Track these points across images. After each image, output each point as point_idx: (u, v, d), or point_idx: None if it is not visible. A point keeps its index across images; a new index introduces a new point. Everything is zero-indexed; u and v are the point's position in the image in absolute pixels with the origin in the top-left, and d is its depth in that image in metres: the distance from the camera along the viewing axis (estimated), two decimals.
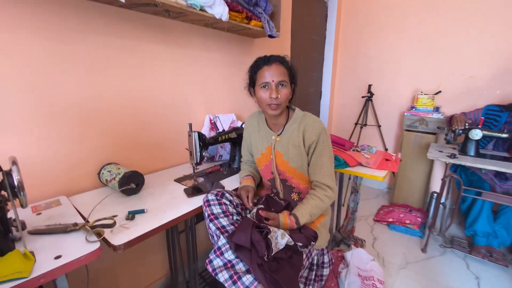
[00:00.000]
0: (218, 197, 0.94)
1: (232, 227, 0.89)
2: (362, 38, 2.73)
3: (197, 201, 1.01)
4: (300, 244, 0.90)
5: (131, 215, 0.87)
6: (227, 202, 0.94)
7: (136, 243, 0.78)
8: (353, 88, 2.84)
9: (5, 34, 0.85)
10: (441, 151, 1.80)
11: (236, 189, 1.15)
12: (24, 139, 0.93)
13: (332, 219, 1.68)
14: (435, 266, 1.71)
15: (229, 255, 0.84)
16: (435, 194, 2.25)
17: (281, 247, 0.86)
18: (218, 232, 0.87)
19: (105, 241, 0.77)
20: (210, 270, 0.84)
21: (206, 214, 0.92)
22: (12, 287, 0.55)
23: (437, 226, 2.03)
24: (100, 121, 1.13)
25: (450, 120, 1.79)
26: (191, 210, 0.95)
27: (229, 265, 0.83)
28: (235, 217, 0.93)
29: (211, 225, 0.89)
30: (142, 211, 0.91)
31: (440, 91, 2.29)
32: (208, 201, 0.93)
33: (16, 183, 0.63)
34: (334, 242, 1.87)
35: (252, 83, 1.05)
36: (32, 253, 0.65)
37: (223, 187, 1.15)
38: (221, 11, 1.21)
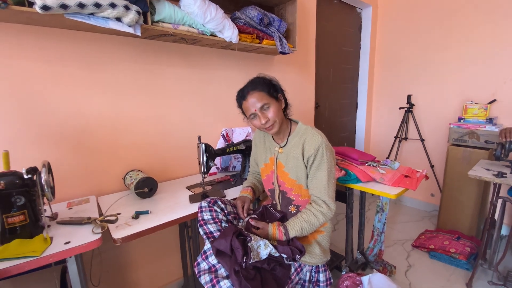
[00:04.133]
0: (210, 204, 1.01)
1: (218, 233, 0.94)
2: (401, 46, 2.55)
3: (197, 206, 1.10)
4: (285, 256, 0.90)
5: (136, 215, 1.01)
6: (218, 210, 1.01)
7: (133, 239, 0.90)
8: (392, 100, 2.64)
9: (56, 67, 1.11)
10: (489, 169, 1.54)
11: (234, 199, 1.21)
12: (64, 149, 1.18)
13: (349, 239, 1.57)
14: None
15: (213, 259, 0.90)
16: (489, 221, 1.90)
17: (264, 257, 0.88)
18: (205, 236, 0.94)
19: (109, 232, 0.91)
20: (196, 272, 0.90)
21: (198, 219, 1.00)
22: (26, 261, 0.71)
23: (489, 258, 1.70)
24: (128, 134, 1.33)
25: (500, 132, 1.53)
26: (186, 215, 1.04)
27: (213, 269, 0.89)
28: (223, 224, 0.98)
29: (200, 229, 0.97)
30: (146, 212, 1.04)
31: (494, 100, 1.97)
32: (201, 207, 1.01)
33: (43, 182, 0.81)
34: (357, 265, 1.73)
35: (244, 114, 1.12)
36: (51, 238, 0.82)
37: (224, 196, 1.22)
38: (230, 35, 1.32)
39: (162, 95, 1.42)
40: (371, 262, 1.77)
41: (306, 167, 1.04)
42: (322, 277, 1.04)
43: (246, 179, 1.45)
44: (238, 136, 1.62)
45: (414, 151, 2.57)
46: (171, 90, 1.45)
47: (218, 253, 0.87)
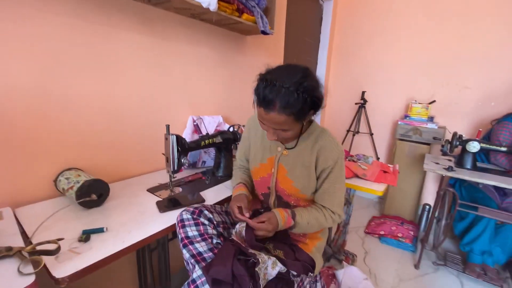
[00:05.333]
0: (195, 216, 0.78)
1: (210, 253, 0.74)
2: (357, 43, 2.66)
3: (172, 217, 0.86)
4: (294, 273, 0.76)
5: (85, 236, 0.71)
6: (206, 222, 0.79)
7: (86, 274, 0.62)
8: (346, 94, 2.76)
9: None
10: (438, 163, 1.72)
11: (219, 203, 1.00)
12: None
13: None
14: (429, 284, 1.62)
15: None
16: (427, 207, 2.19)
17: (271, 278, 0.72)
18: (193, 260, 0.72)
19: (46, 269, 0.61)
20: None
21: (180, 237, 0.76)
22: None
23: (430, 240, 1.96)
24: (60, 119, 0.95)
25: None
26: (162, 229, 0.79)
27: None
28: (214, 241, 0.78)
29: (184, 251, 0.74)
30: (100, 230, 0.75)
31: (434, 101, 2.24)
32: (182, 220, 0.77)
33: None
34: (325, 257, 1.74)
35: None
36: None
37: (204, 200, 1.00)
38: (208, 0, 1.07)
39: (112, 68, 1.07)
40: (334, 252, 1.81)
41: (318, 178, 0.88)
42: (319, 286, 0.95)
43: (220, 177, 1.25)
44: (208, 126, 1.38)
45: (363, 144, 2.76)
46: (125, 61, 1.10)
47: (216, 283, 0.67)
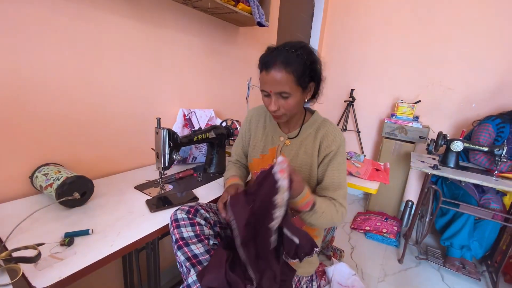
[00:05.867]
0: (190, 215, 0.73)
1: (207, 256, 0.69)
2: (347, 41, 2.67)
3: (163, 217, 0.80)
4: (297, 240, 0.66)
5: (68, 239, 0.64)
6: (202, 222, 0.74)
7: (71, 283, 0.56)
8: (335, 92, 2.77)
9: None
10: (423, 161, 1.77)
11: (213, 201, 0.96)
12: None
13: None
14: (412, 278, 1.68)
15: None
16: (410, 203, 2.27)
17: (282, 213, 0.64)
18: (188, 263, 0.67)
19: (25, 279, 0.54)
20: None
21: (174, 238, 0.71)
22: None
23: (413, 236, 2.03)
24: (37, 106, 0.86)
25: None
26: (154, 231, 0.74)
27: None
28: (211, 242, 0.73)
29: (179, 253, 0.69)
30: (85, 232, 0.68)
31: (419, 101, 2.30)
32: (176, 220, 0.72)
33: None
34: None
35: None
36: None
37: (197, 198, 0.95)
38: None
39: (96, 52, 0.97)
40: (323, 248, 1.83)
41: (319, 166, 0.85)
42: (315, 285, 0.94)
43: (213, 174, 1.20)
44: (199, 119, 1.32)
45: (350, 142, 2.80)
46: (110, 46, 1.01)
47: None
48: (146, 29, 1.11)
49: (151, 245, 0.92)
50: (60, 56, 0.88)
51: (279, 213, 0.63)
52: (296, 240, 0.65)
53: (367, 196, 2.72)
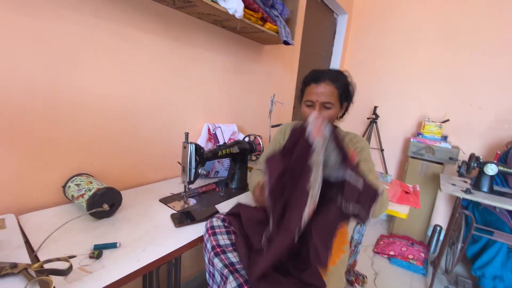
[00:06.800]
0: (226, 223, 0.74)
1: (241, 265, 0.68)
2: (369, 58, 2.65)
3: (187, 232, 0.80)
4: (360, 185, 0.62)
5: (98, 252, 0.65)
6: (235, 231, 0.74)
7: None
8: (358, 109, 2.72)
9: None
10: (454, 184, 1.67)
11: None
12: None
13: None
14: None
15: None
16: (438, 228, 2.12)
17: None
18: (226, 270, 0.66)
19: None
20: None
21: (210, 246, 0.70)
22: None
23: (442, 264, 1.88)
24: (72, 120, 0.90)
25: None
26: (180, 246, 0.73)
27: None
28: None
29: (216, 260, 0.68)
30: (113, 246, 0.68)
31: (448, 120, 2.21)
32: (212, 228, 0.73)
33: None
34: None
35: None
36: None
37: (218, 212, 0.93)
38: (235, 6, 1.03)
39: (129, 69, 1.02)
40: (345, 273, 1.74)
41: None
42: None
43: (235, 189, 1.19)
44: (223, 134, 1.33)
45: (373, 160, 2.70)
46: (144, 64, 1.06)
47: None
48: (176, 47, 1.16)
49: (173, 260, 0.91)
50: (97, 71, 0.93)
51: (314, 176, 0.61)
52: (360, 185, 0.61)
53: (390, 218, 2.58)
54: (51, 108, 0.84)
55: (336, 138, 0.67)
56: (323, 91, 0.86)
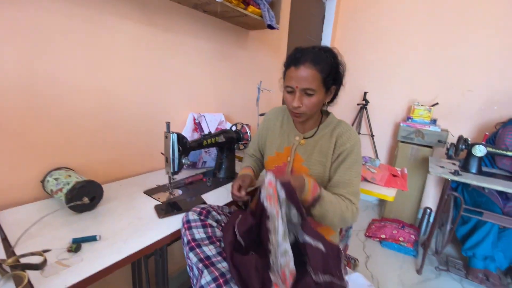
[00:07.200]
0: (202, 217, 0.72)
1: (219, 257, 0.68)
2: (360, 43, 2.61)
3: (172, 222, 0.79)
4: (322, 248, 0.64)
5: (76, 245, 0.63)
6: (214, 224, 0.73)
7: None
8: (348, 95, 2.71)
9: None
10: (442, 167, 1.69)
11: (226, 205, 0.94)
12: None
13: None
14: None
15: None
16: (428, 210, 2.16)
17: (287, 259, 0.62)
18: (201, 265, 0.65)
19: (30, 286, 0.53)
20: None
21: (186, 240, 0.70)
22: None
23: (432, 245, 1.93)
24: (48, 112, 0.86)
25: None
26: (162, 237, 0.72)
27: None
28: (223, 244, 0.71)
29: (191, 255, 0.67)
30: (93, 238, 0.67)
31: (437, 103, 2.21)
32: (188, 222, 0.72)
33: None
34: None
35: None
36: None
37: (205, 204, 0.92)
38: None
39: (106, 55, 0.98)
40: None
41: (332, 164, 0.84)
42: None
43: (222, 179, 1.18)
44: (209, 124, 1.30)
45: (364, 146, 2.72)
46: (121, 52, 1.02)
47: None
48: (156, 33, 1.12)
49: (159, 251, 0.90)
50: (71, 61, 0.89)
51: (274, 240, 0.63)
52: (321, 246, 0.61)
53: (382, 202, 2.62)
54: (26, 100, 0.81)
55: (293, 197, 0.65)
56: (303, 75, 0.75)
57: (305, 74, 0.75)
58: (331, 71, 0.77)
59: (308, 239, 0.62)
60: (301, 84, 0.76)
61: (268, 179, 0.66)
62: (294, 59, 0.78)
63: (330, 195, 0.79)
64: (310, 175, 0.85)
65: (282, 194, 0.64)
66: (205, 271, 0.65)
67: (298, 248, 0.65)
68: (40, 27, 0.80)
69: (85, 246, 0.65)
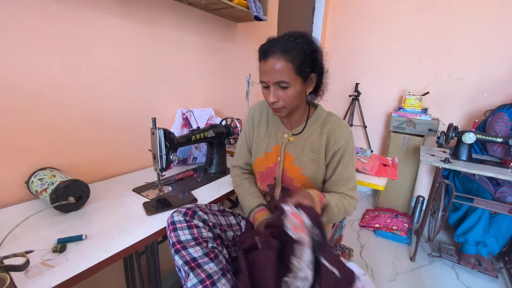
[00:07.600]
0: (188, 218, 0.70)
1: (206, 259, 0.66)
2: (350, 34, 2.60)
3: (161, 219, 0.78)
4: (336, 271, 0.62)
5: (61, 245, 0.62)
6: (200, 224, 0.71)
7: None
8: (339, 86, 2.70)
9: None
10: (433, 155, 1.70)
11: (213, 202, 0.93)
12: None
13: None
14: (425, 277, 1.61)
15: None
16: (421, 199, 2.19)
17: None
18: (186, 267, 0.64)
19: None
20: None
21: (171, 242, 0.68)
22: None
23: (425, 232, 1.95)
24: (33, 110, 0.84)
25: None
26: (150, 234, 0.71)
27: None
28: (210, 245, 0.70)
29: (177, 257, 0.66)
30: (78, 238, 0.66)
31: (428, 92, 2.22)
32: (173, 223, 0.69)
33: None
34: None
35: None
36: None
37: (196, 200, 0.92)
38: None
39: (89, 54, 0.96)
40: (331, 247, 1.78)
41: (329, 163, 0.84)
42: None
43: (213, 174, 1.17)
44: (198, 119, 1.29)
45: (356, 137, 2.73)
46: (103, 45, 0.99)
47: None
48: (139, 28, 1.09)
49: (150, 249, 0.89)
50: (52, 59, 0.87)
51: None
52: (336, 272, 0.61)
53: (375, 192, 2.65)
54: (6, 97, 0.78)
55: (318, 222, 0.64)
56: (273, 68, 0.70)
57: (275, 66, 0.70)
58: (304, 59, 0.72)
59: (325, 262, 0.62)
60: (273, 78, 0.72)
61: (290, 210, 0.63)
62: (262, 52, 0.73)
63: (333, 198, 0.79)
64: (302, 175, 0.84)
65: (307, 220, 0.62)
66: (191, 274, 0.64)
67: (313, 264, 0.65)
68: (22, 23, 0.78)
69: (70, 246, 0.64)
